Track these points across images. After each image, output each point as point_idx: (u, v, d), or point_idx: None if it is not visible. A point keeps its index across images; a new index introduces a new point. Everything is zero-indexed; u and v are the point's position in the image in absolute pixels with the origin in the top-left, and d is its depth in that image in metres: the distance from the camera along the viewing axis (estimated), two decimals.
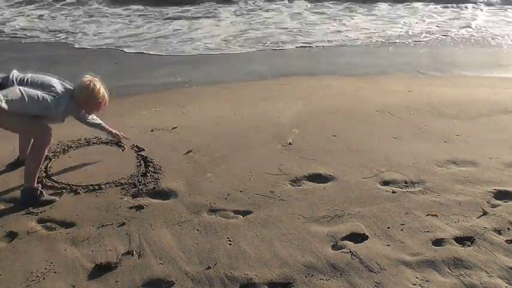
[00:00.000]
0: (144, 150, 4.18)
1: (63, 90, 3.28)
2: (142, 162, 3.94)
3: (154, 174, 3.70)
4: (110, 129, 3.99)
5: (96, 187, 3.50)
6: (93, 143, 4.36)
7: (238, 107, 5.48)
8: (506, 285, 2.43)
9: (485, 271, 2.53)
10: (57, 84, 3.29)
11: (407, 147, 4.23)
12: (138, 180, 3.61)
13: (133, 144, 4.27)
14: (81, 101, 3.38)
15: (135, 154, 4.11)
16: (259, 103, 5.66)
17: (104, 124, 3.91)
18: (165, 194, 3.43)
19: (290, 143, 4.31)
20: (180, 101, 5.82)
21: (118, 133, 4.06)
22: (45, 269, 2.58)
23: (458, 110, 5.33)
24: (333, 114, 5.20)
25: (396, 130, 4.70)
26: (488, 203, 3.25)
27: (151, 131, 4.66)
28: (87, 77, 3.41)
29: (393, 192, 3.41)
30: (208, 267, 2.60)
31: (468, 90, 6.36)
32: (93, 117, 3.79)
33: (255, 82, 6.89)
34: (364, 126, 4.81)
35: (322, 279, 2.49)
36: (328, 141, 4.37)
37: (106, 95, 3.47)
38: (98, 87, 3.39)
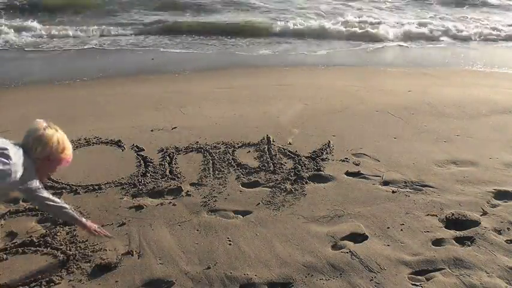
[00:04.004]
0: (144, 150, 4.18)
1: (16, 150, 2.37)
2: (142, 162, 3.94)
3: (154, 174, 3.70)
4: (84, 221, 2.76)
5: (96, 187, 3.50)
6: (93, 143, 4.36)
7: (238, 107, 5.48)
8: (506, 285, 2.43)
9: (485, 271, 2.53)
10: (5, 143, 2.39)
11: (407, 147, 4.23)
12: (138, 180, 3.61)
13: (133, 144, 4.27)
14: (40, 162, 2.47)
15: (135, 154, 4.11)
16: (259, 103, 5.66)
17: (74, 212, 2.73)
18: (164, 194, 3.43)
19: (290, 143, 4.31)
20: (180, 101, 5.82)
21: (96, 228, 2.78)
22: (45, 269, 2.58)
23: (458, 110, 5.33)
24: (333, 114, 5.20)
25: (396, 130, 4.69)
26: (488, 203, 3.25)
27: (151, 131, 4.66)
28: (40, 123, 2.48)
29: (393, 192, 3.41)
30: (208, 267, 2.60)
31: (468, 90, 6.36)
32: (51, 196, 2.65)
33: (255, 82, 6.89)
34: (364, 126, 4.81)
35: (322, 279, 2.49)
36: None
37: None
38: (60, 134, 2.53)
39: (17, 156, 2.34)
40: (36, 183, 2.48)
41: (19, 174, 2.31)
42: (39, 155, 2.45)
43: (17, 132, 4.69)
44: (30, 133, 2.47)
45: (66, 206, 2.68)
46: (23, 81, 7.04)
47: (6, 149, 2.31)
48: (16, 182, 2.32)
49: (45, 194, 2.59)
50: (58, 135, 2.51)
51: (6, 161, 2.27)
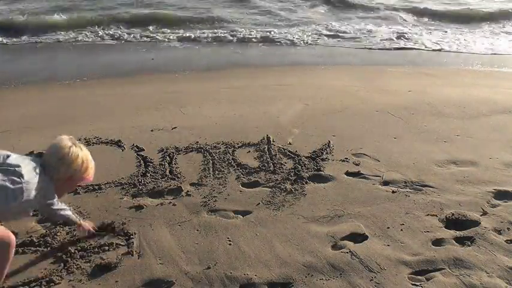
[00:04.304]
0: (144, 150, 4.18)
1: (31, 168, 2.29)
2: (142, 162, 3.94)
3: (154, 174, 3.70)
4: (81, 222, 2.81)
5: (96, 187, 3.50)
6: (93, 143, 4.36)
7: (238, 107, 5.48)
8: (506, 285, 2.43)
9: (485, 271, 2.53)
10: (19, 160, 2.30)
11: (407, 147, 4.23)
12: (138, 180, 3.61)
13: (133, 144, 4.27)
14: (61, 182, 2.44)
15: (135, 154, 4.11)
16: (259, 103, 5.66)
17: (73, 215, 2.75)
18: (164, 194, 3.43)
19: (290, 143, 4.31)
20: (180, 101, 5.82)
21: (89, 228, 2.83)
22: (45, 269, 2.58)
23: (458, 110, 5.33)
24: (333, 114, 5.20)
25: (396, 130, 4.70)
26: (488, 203, 3.25)
27: (151, 131, 4.66)
28: (64, 142, 2.44)
29: (393, 192, 3.41)
30: (208, 267, 2.60)
31: (468, 90, 6.36)
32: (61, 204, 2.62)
33: (255, 82, 6.89)
34: (364, 126, 4.81)
35: (322, 279, 2.49)
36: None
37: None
38: (84, 153, 2.50)
39: (31, 174, 2.24)
40: (53, 201, 2.44)
41: (33, 193, 2.22)
42: (63, 175, 2.39)
43: (17, 132, 4.72)
44: (53, 152, 2.39)
45: (69, 212, 2.67)
46: (23, 81, 7.05)
47: (18, 166, 2.22)
48: (30, 200, 2.21)
49: (59, 205, 2.54)
50: (82, 155, 2.45)
51: (18, 179, 2.17)
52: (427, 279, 2.48)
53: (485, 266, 2.56)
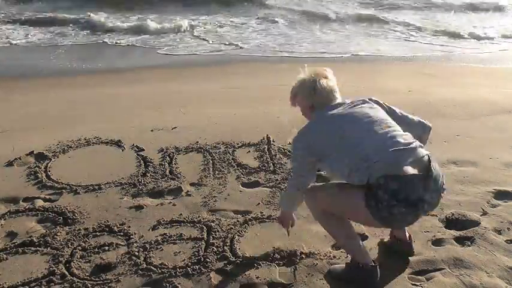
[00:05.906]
0: (144, 150, 4.17)
1: None
2: (142, 162, 3.94)
3: (154, 174, 3.70)
4: None
5: (96, 187, 3.50)
6: (93, 143, 4.36)
7: (238, 107, 5.47)
8: (506, 285, 2.43)
9: (485, 271, 2.53)
10: None
11: None
12: (138, 180, 3.61)
13: (133, 144, 4.27)
14: None
15: (135, 154, 4.10)
16: (259, 103, 5.66)
17: None
18: (164, 194, 3.43)
19: (290, 143, 4.31)
20: (180, 101, 5.82)
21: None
22: (45, 269, 2.58)
23: (458, 110, 5.33)
24: None
25: None
26: (488, 203, 3.25)
27: (151, 131, 4.65)
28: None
29: None
30: None
31: (468, 90, 6.36)
32: None
33: (255, 82, 6.89)
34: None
35: (322, 279, 2.49)
36: None
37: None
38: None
39: None
40: None
41: None
42: None
43: (17, 132, 4.71)
44: None
45: None
46: (22, 80, 7.05)
47: None
48: None
49: None
50: None
51: None
52: (427, 279, 2.48)
53: (485, 266, 2.56)
